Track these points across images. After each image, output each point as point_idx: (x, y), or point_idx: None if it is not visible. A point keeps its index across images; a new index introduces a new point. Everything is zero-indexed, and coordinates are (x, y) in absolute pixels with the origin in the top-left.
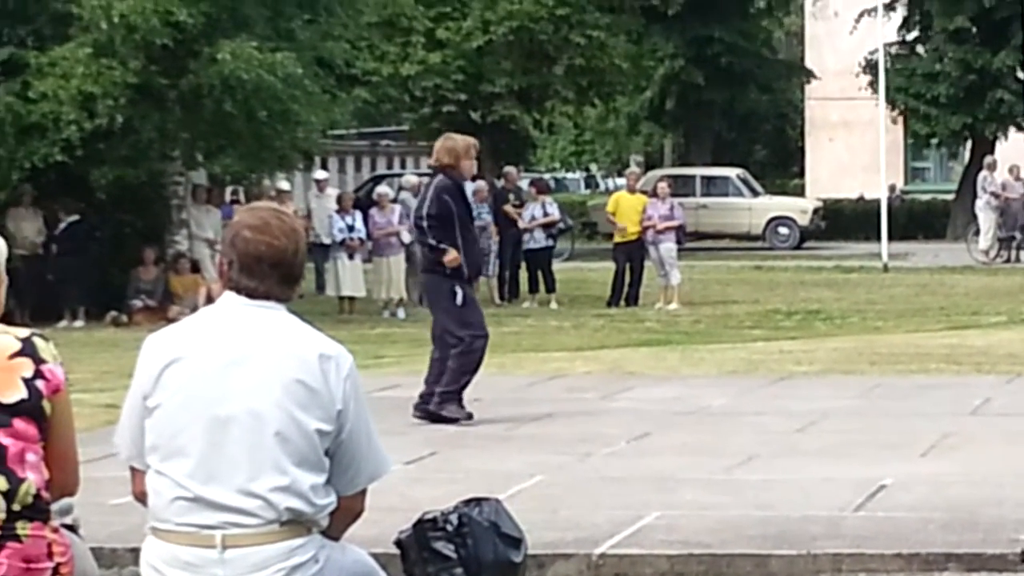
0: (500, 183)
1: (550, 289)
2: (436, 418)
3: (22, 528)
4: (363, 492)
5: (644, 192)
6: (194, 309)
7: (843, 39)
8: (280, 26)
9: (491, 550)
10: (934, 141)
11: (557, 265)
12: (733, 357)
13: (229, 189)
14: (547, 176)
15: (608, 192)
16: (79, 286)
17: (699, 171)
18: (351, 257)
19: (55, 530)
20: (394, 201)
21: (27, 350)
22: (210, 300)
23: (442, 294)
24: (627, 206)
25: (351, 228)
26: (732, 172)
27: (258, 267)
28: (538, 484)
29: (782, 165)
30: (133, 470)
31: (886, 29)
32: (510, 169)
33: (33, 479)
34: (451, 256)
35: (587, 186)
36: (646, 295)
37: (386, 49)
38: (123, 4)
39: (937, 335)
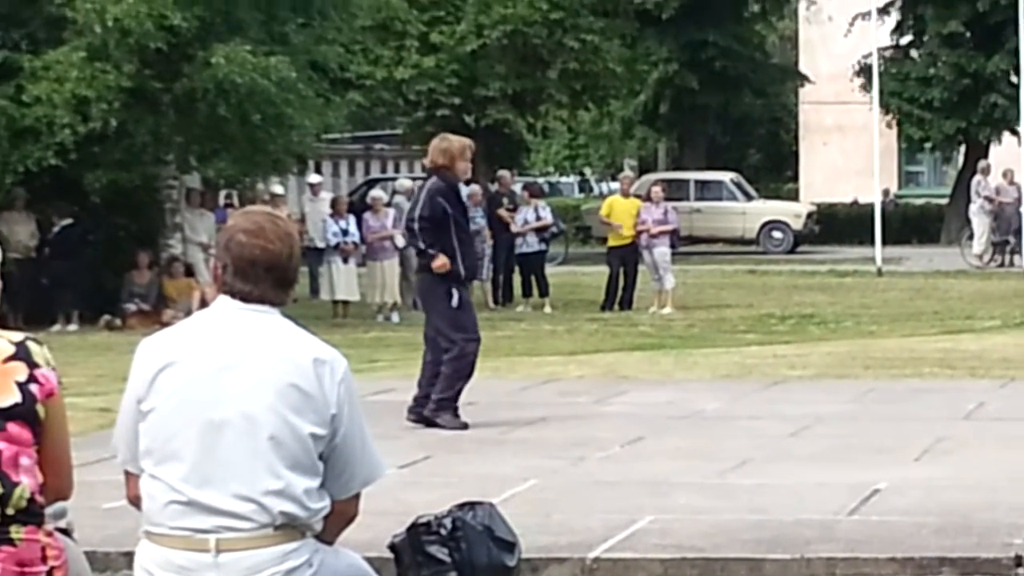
0: (494, 187)
1: (543, 293)
2: (430, 423)
3: (16, 532)
4: (357, 496)
5: (638, 196)
6: (188, 313)
7: (837, 43)
8: (274, 30)
9: (485, 554)
10: (928, 145)
11: (551, 269)
12: (727, 361)
13: (223, 193)
14: (541, 180)
15: (602, 196)
16: (73, 290)
17: (693, 175)
18: (345, 261)
19: (49, 534)
20: (388, 205)
21: (21, 354)
22: (204, 304)
23: (437, 296)
24: (621, 210)
25: (345, 232)
26: (726, 176)
27: (252, 271)
28: (532, 488)
29: (776, 169)
30: (127, 474)
31: (880, 33)
32: (504, 173)
33: (27, 483)
34: (439, 262)
35: (581, 190)
36: (640, 299)
37: (380, 53)
38: (117, 8)
39: (931, 339)
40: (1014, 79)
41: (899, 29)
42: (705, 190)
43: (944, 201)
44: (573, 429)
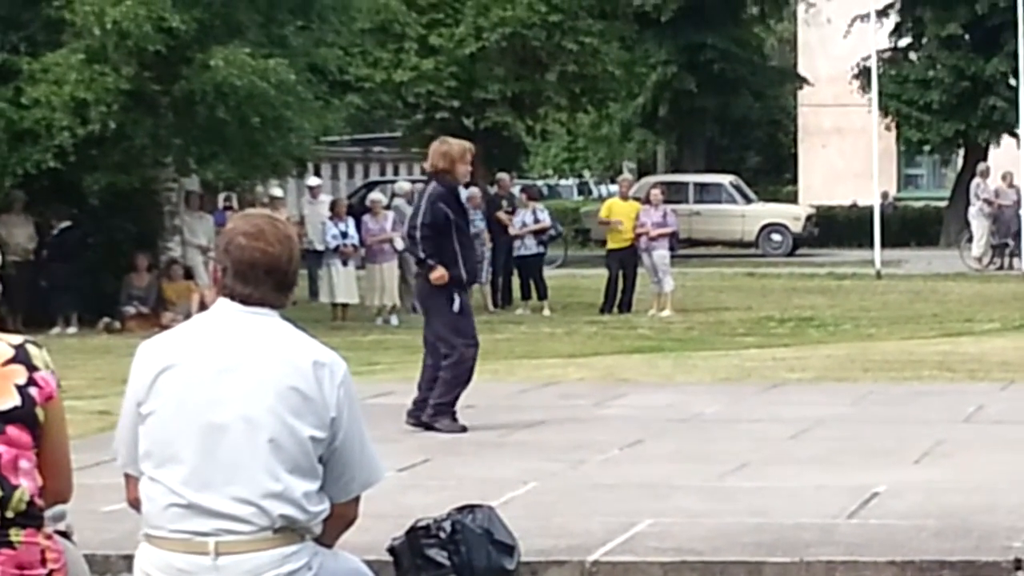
0: (493, 190)
1: (542, 296)
2: (429, 425)
3: (15, 535)
4: (356, 499)
5: (637, 199)
6: (187, 316)
7: (836, 46)
8: (273, 32)
9: (484, 557)
10: (927, 148)
11: (550, 272)
12: (726, 364)
13: (222, 195)
14: (540, 183)
15: (601, 199)
16: (72, 293)
17: (692, 178)
18: (344, 264)
19: (48, 537)
20: (387, 208)
21: (20, 357)
22: (203, 306)
23: (439, 301)
24: (620, 213)
25: (344, 235)
26: (725, 179)
27: (252, 274)
28: (531, 491)
29: (775, 172)
30: (127, 477)
31: (879, 36)
32: (503, 176)
33: (27, 486)
34: (437, 273)
35: (580, 193)
36: (639, 302)
37: (379, 55)
38: (116, 10)
39: (930, 342)
40: (1013, 82)
41: (898, 31)
42: (704, 193)
43: (943, 204)
44: (572, 432)
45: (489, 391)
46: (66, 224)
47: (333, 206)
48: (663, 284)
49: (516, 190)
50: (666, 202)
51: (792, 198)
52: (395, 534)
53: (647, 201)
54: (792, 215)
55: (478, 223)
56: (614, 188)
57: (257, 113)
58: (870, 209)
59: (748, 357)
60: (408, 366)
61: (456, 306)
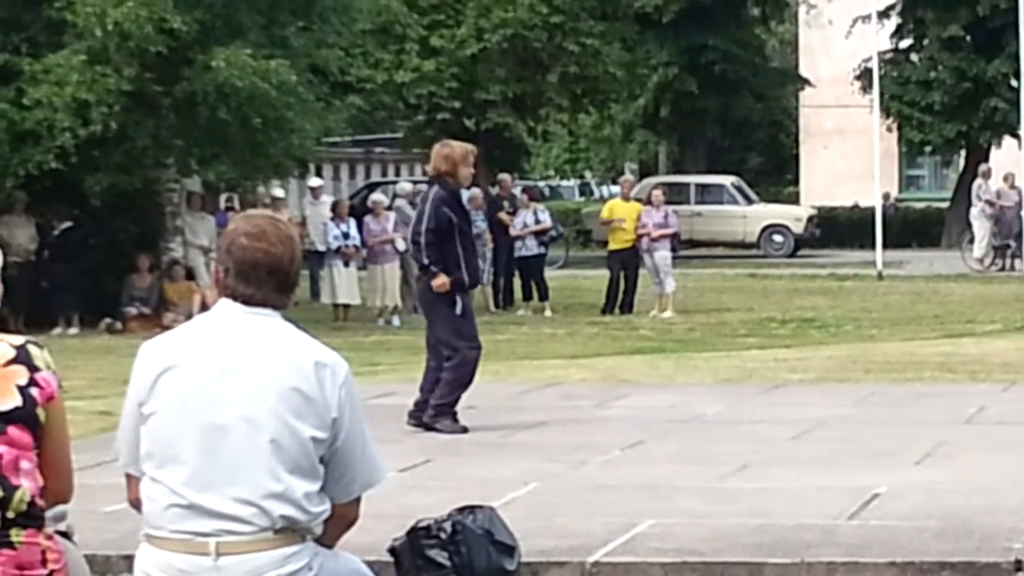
0: (495, 191)
1: (543, 297)
2: (430, 426)
3: (16, 535)
4: (357, 500)
5: (638, 200)
6: (188, 316)
7: (837, 47)
8: (274, 33)
9: (485, 558)
10: (928, 149)
11: (551, 273)
12: (727, 365)
13: (223, 196)
14: (541, 184)
15: (602, 200)
16: (73, 293)
17: (693, 179)
18: (346, 265)
19: (49, 537)
20: (389, 208)
21: (21, 357)
22: (204, 307)
23: (441, 303)
24: (621, 214)
25: (346, 235)
26: (726, 180)
27: (255, 274)
28: (532, 492)
29: (776, 173)
30: (129, 477)
31: (880, 37)
32: (505, 176)
33: (27, 486)
34: (439, 281)
35: (581, 194)
36: (640, 303)
37: (380, 56)
38: (117, 11)
39: (932, 343)
40: (1014, 83)
41: (899, 33)
42: (705, 194)
43: (945, 205)
44: (573, 433)
45: (490, 392)
46: (67, 225)
47: (335, 207)
48: (664, 285)
49: (517, 191)
50: (667, 203)
51: (793, 199)
52: (396, 534)
53: (648, 202)
54: (793, 216)
55: (480, 224)
56: (615, 189)
57: (259, 114)
58: (872, 210)
59: (749, 358)
60: (410, 367)
61: (458, 309)
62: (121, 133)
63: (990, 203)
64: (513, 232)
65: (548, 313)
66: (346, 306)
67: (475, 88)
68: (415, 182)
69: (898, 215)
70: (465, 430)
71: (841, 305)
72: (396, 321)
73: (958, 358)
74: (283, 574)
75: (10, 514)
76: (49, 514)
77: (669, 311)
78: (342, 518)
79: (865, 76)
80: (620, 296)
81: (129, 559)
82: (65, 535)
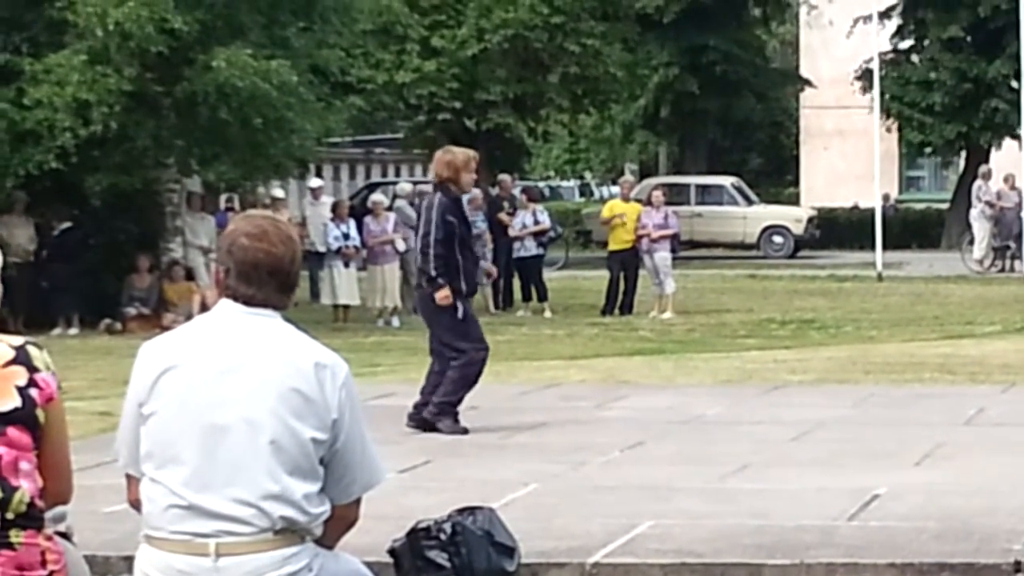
0: (495, 191)
1: (542, 298)
2: (430, 427)
3: (16, 536)
4: (357, 501)
5: (639, 200)
6: (188, 317)
7: (838, 48)
8: (275, 34)
9: (484, 559)
10: (928, 150)
11: (551, 274)
12: (727, 366)
13: (223, 196)
14: (541, 184)
15: (602, 200)
16: (73, 294)
17: (693, 179)
18: (346, 265)
19: (49, 538)
20: (389, 209)
21: (21, 358)
22: (204, 308)
23: (442, 310)
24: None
25: (346, 236)
26: (727, 181)
27: (256, 274)
28: (532, 493)
29: (777, 174)
30: (128, 477)
31: (881, 37)
32: (505, 177)
33: (27, 487)
34: (443, 294)
35: (581, 194)
36: (640, 304)
37: (381, 57)
38: (118, 11)
39: (931, 344)
40: (1015, 84)
41: (900, 33)
42: (706, 194)
43: (945, 206)
44: (573, 434)
45: (490, 393)
46: (67, 225)
47: (335, 207)
48: (664, 286)
49: (517, 191)
50: (667, 204)
51: (794, 200)
52: (396, 536)
53: (649, 203)
54: (793, 217)
55: (480, 224)
56: (615, 190)
57: (259, 114)
58: (871, 211)
59: (749, 359)
60: (409, 368)
61: (459, 314)
62: (121, 133)
63: (990, 204)
64: (512, 233)
65: (548, 314)
66: (346, 307)
67: (476, 88)
68: (415, 183)
69: (898, 216)
70: (465, 431)
71: (841, 306)
72: (396, 322)
73: (958, 359)
74: (283, 575)
75: (9, 515)
76: (49, 515)
77: (669, 312)
78: (342, 519)
79: (866, 77)
80: (620, 297)
81: (129, 560)
82: (65, 536)
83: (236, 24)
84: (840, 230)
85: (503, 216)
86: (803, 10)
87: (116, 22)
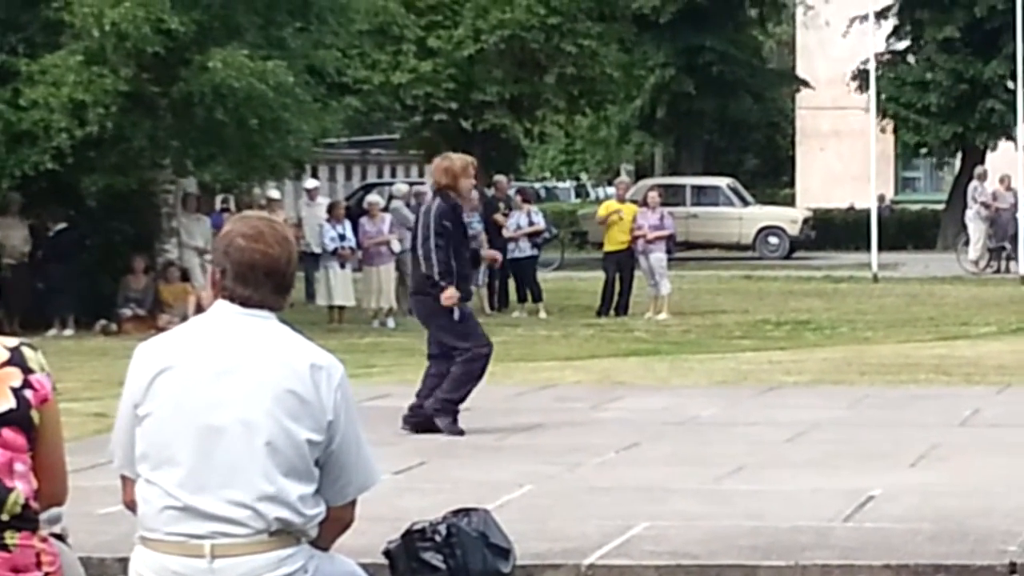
0: (490, 192)
1: (536, 298)
2: (425, 428)
3: (10, 538)
4: (353, 503)
5: (634, 201)
6: (184, 318)
7: (834, 49)
8: (271, 34)
9: (480, 560)
10: (924, 151)
11: (547, 275)
12: (723, 367)
13: (219, 197)
14: (537, 185)
15: (598, 201)
16: (68, 295)
17: (689, 180)
18: (342, 266)
19: (43, 539)
20: (385, 210)
21: (15, 359)
22: (200, 309)
23: (438, 312)
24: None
25: (342, 237)
26: (722, 181)
27: (252, 275)
28: (527, 494)
29: (773, 174)
30: (124, 479)
31: (876, 38)
32: (500, 178)
33: (22, 489)
34: (449, 293)
35: (577, 195)
36: (636, 305)
37: (377, 57)
38: (114, 12)
39: (927, 345)
40: (1011, 85)
41: (896, 34)
42: (701, 195)
43: (940, 207)
44: (568, 435)
45: (486, 394)
46: (63, 226)
47: (331, 208)
48: (660, 287)
49: (513, 192)
50: (663, 204)
51: (789, 201)
52: (391, 537)
53: (644, 204)
54: (789, 218)
55: (475, 225)
56: (611, 191)
57: (255, 115)
58: (867, 212)
59: (744, 360)
60: (405, 369)
61: (456, 315)
62: (117, 134)
63: (986, 205)
64: (506, 234)
65: (543, 315)
66: (341, 308)
67: (472, 89)
68: (411, 183)
69: (894, 217)
70: (462, 433)
71: (836, 307)
72: (391, 323)
73: (953, 360)
74: None
75: (4, 517)
76: (43, 516)
77: (664, 313)
78: (337, 521)
79: (862, 77)
80: (615, 298)
81: (124, 561)
82: (60, 537)
83: (232, 25)
84: (836, 231)
85: (498, 217)
86: (799, 10)
87: (112, 22)
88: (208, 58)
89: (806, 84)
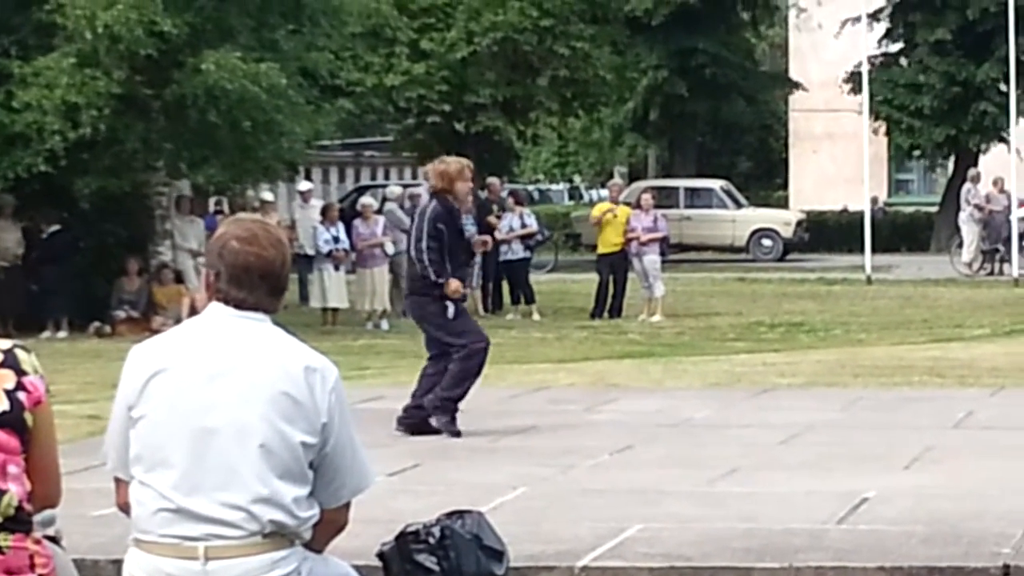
0: (483, 194)
1: (529, 301)
2: (419, 430)
3: (4, 540)
4: (347, 505)
5: (627, 204)
6: (177, 320)
7: (827, 51)
8: (264, 36)
9: (473, 563)
10: (917, 153)
11: (540, 277)
12: (716, 369)
13: (213, 200)
14: (530, 187)
15: (591, 204)
16: (62, 297)
17: (682, 183)
18: (336, 268)
19: (37, 541)
20: (378, 212)
21: (9, 362)
22: (193, 311)
23: (432, 312)
24: (610, 217)
25: (336, 239)
26: (716, 184)
27: (247, 278)
28: (521, 496)
29: (766, 177)
30: (117, 481)
31: (869, 41)
32: (493, 180)
33: (15, 491)
34: (454, 286)
35: (571, 198)
36: (629, 307)
37: (370, 60)
38: (107, 14)
39: (920, 348)
40: (1003, 87)
41: (888, 36)
42: (695, 198)
43: (934, 209)
44: (562, 437)
45: (479, 396)
46: (56, 228)
47: (324, 211)
48: (654, 289)
49: (505, 194)
50: (657, 207)
51: (783, 203)
52: (385, 539)
53: (638, 206)
54: (783, 220)
55: (469, 227)
56: (605, 193)
57: (248, 117)
58: (860, 214)
59: (738, 362)
60: (399, 371)
61: (450, 313)
62: (110, 136)
63: (979, 207)
64: (499, 236)
65: (536, 317)
66: (335, 310)
67: (465, 91)
68: (405, 185)
69: (887, 219)
70: (459, 434)
71: (830, 309)
72: (385, 325)
73: (947, 362)
74: None
75: None
76: (37, 519)
77: (658, 315)
78: (331, 523)
79: (854, 79)
80: (609, 300)
81: (117, 564)
82: (53, 540)
83: (225, 27)
84: (829, 233)
85: (492, 219)
86: (792, 13)
87: (105, 25)
88: (201, 60)
89: (799, 86)
